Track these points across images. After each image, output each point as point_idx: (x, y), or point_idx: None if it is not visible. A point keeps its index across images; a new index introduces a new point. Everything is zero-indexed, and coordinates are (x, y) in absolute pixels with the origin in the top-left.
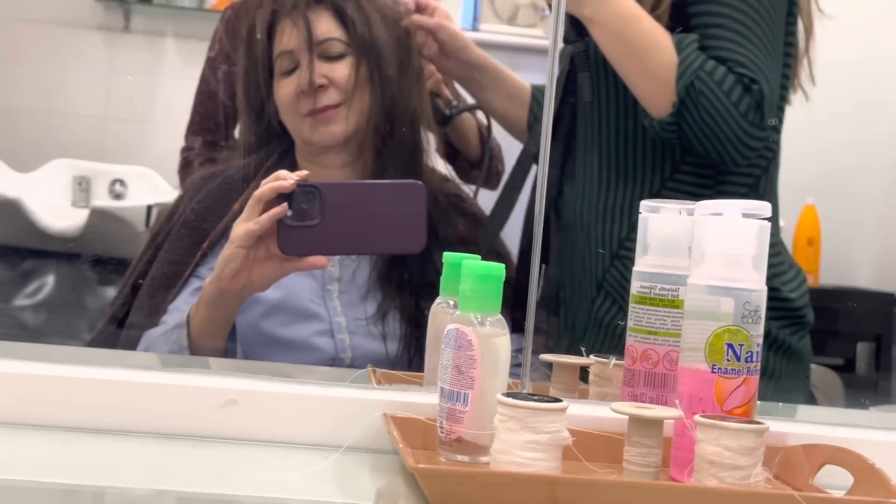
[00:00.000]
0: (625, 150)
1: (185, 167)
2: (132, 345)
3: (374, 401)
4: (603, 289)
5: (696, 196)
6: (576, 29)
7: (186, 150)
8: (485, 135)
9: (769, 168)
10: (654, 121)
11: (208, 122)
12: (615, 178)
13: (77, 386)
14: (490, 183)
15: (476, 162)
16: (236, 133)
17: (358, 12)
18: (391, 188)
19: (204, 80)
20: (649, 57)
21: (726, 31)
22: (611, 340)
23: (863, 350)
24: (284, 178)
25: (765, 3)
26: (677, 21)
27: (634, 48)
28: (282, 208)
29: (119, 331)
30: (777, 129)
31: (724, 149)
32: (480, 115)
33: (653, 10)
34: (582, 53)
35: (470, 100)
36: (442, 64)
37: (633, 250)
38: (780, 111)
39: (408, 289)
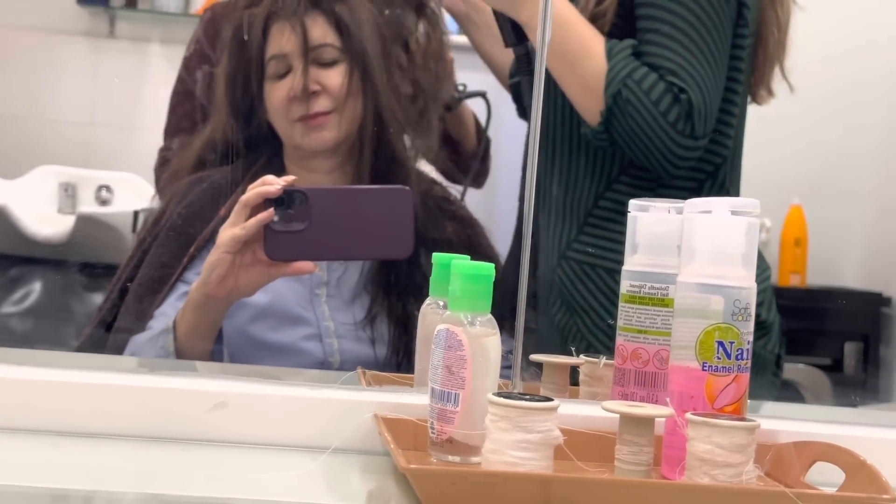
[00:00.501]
0: (569, 153)
1: (162, 165)
2: (119, 350)
3: (364, 402)
4: (554, 289)
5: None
6: (516, 33)
7: (164, 150)
8: (482, 126)
9: (717, 172)
10: (588, 128)
11: (185, 123)
12: (562, 180)
13: (64, 390)
14: (479, 180)
15: (470, 155)
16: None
17: (353, 19)
18: (378, 193)
19: (181, 81)
20: (580, 64)
21: (662, 37)
22: (563, 342)
23: (851, 349)
24: (271, 183)
25: (706, 7)
26: (624, 20)
27: (566, 55)
28: (268, 213)
29: (106, 336)
30: (726, 134)
31: (654, 158)
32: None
33: (597, 5)
34: (523, 57)
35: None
36: None
37: (580, 251)
38: (728, 115)
39: (395, 292)
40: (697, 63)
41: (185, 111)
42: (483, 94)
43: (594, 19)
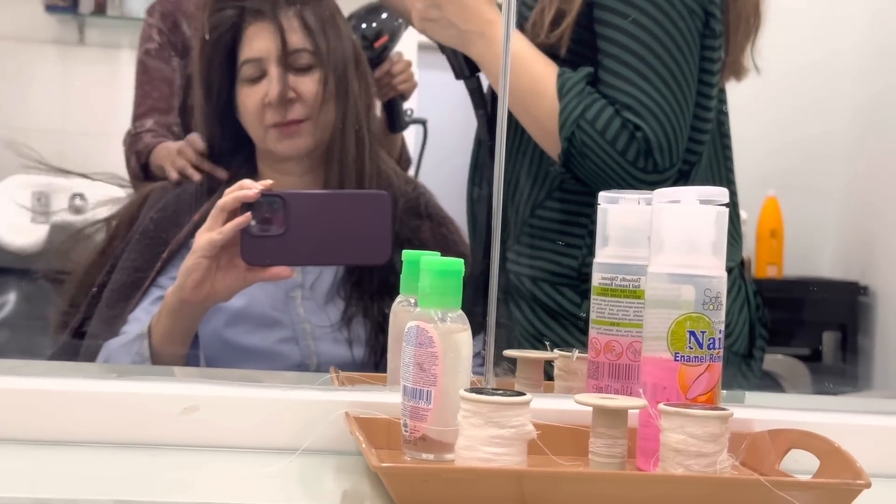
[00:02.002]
0: (512, 169)
1: (133, 144)
2: (93, 356)
3: (336, 402)
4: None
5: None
6: (469, 66)
7: (136, 129)
8: (407, 154)
9: (690, 173)
10: (553, 166)
11: (161, 103)
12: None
13: (35, 398)
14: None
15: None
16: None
17: (329, 25)
18: (356, 198)
19: (151, 69)
20: (532, 104)
21: (620, 66)
22: (509, 341)
23: (829, 339)
24: (249, 188)
25: (668, 26)
26: (583, 45)
27: (517, 94)
28: (245, 218)
29: (80, 343)
30: (699, 140)
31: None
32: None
33: (551, 31)
34: (476, 91)
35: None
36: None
37: (512, 261)
38: (701, 121)
39: (370, 293)
40: (656, 92)
41: (160, 94)
42: (423, 122)
43: (550, 48)
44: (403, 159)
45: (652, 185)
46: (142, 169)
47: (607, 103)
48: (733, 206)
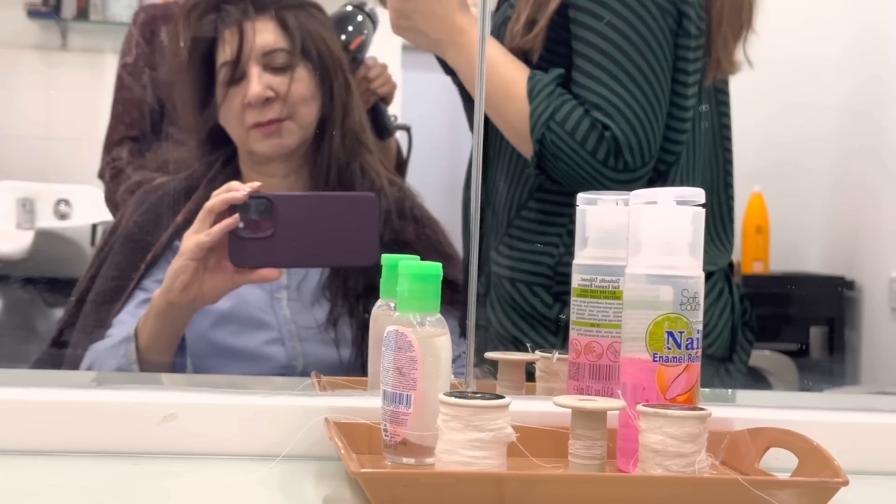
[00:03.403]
0: (496, 171)
1: (117, 176)
2: (78, 360)
3: (317, 407)
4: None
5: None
6: (444, 68)
7: (113, 161)
8: (403, 157)
9: (668, 173)
10: (529, 168)
11: (134, 130)
12: (492, 186)
13: (13, 408)
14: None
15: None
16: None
17: (304, 23)
18: (344, 200)
19: (126, 88)
20: (504, 108)
21: (591, 66)
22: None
23: (816, 334)
24: (236, 190)
25: (638, 26)
26: (557, 45)
27: (490, 99)
28: (233, 220)
29: (64, 349)
30: (675, 140)
31: (593, 190)
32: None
33: (525, 34)
34: (463, 86)
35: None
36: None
37: (497, 263)
38: (677, 120)
39: (355, 293)
40: (625, 91)
41: (132, 119)
42: (408, 129)
43: (525, 51)
44: (400, 163)
45: (625, 185)
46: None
47: (577, 104)
48: (729, 209)
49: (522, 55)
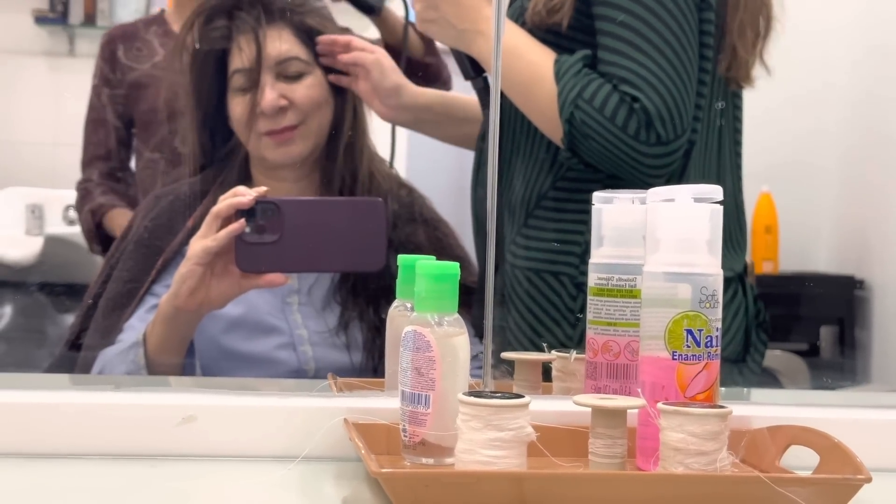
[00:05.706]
0: (508, 168)
1: (84, 198)
2: (89, 367)
3: (335, 408)
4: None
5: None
6: (474, 67)
7: (84, 182)
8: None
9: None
10: (561, 154)
11: (101, 150)
12: (511, 178)
13: (31, 411)
14: (443, 83)
15: (421, 60)
16: (133, 163)
17: (318, 31)
18: (351, 205)
19: (92, 108)
20: (532, 92)
21: (616, 41)
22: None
23: (826, 333)
24: (243, 195)
25: (664, 2)
26: (581, 29)
27: (518, 84)
28: (240, 224)
29: (76, 354)
30: (693, 128)
31: (626, 170)
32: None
33: (551, 17)
34: (482, 91)
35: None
36: (381, 110)
37: (514, 255)
38: (697, 109)
39: (366, 298)
40: (652, 63)
41: (98, 139)
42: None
43: (550, 35)
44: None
45: (659, 160)
46: (96, 227)
47: (605, 81)
48: (741, 212)
49: (547, 42)
